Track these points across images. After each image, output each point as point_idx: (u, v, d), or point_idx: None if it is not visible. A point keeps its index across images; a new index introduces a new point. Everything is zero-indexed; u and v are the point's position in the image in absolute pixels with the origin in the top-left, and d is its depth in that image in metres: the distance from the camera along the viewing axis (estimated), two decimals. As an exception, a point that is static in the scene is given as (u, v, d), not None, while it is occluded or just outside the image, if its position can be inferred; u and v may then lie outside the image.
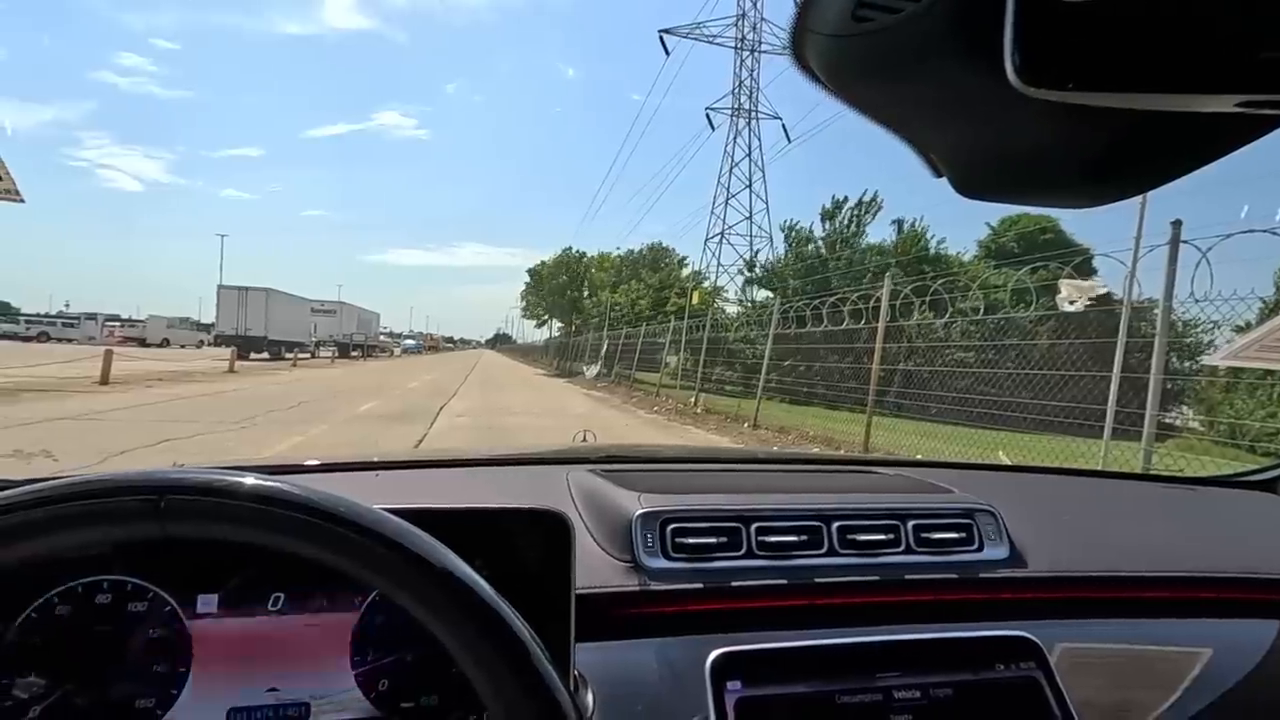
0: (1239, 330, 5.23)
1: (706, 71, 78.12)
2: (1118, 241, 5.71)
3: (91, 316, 48.26)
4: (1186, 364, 8.07)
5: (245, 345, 28.66)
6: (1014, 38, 0.26)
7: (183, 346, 40.58)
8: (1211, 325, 5.34)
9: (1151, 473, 4.35)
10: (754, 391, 11.51)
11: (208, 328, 41.56)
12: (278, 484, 0.42)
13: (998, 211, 25.50)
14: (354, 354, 43.69)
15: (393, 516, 0.44)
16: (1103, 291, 6.14)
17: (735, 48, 42.71)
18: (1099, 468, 4.98)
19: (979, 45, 0.28)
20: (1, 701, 0.56)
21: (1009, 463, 4.46)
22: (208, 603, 0.60)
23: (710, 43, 43.49)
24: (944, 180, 0.42)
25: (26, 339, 40.91)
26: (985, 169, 0.42)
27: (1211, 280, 4.95)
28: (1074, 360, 6.62)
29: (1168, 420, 6.30)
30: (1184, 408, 7.80)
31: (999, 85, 0.27)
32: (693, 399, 14.12)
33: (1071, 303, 6.09)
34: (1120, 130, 0.33)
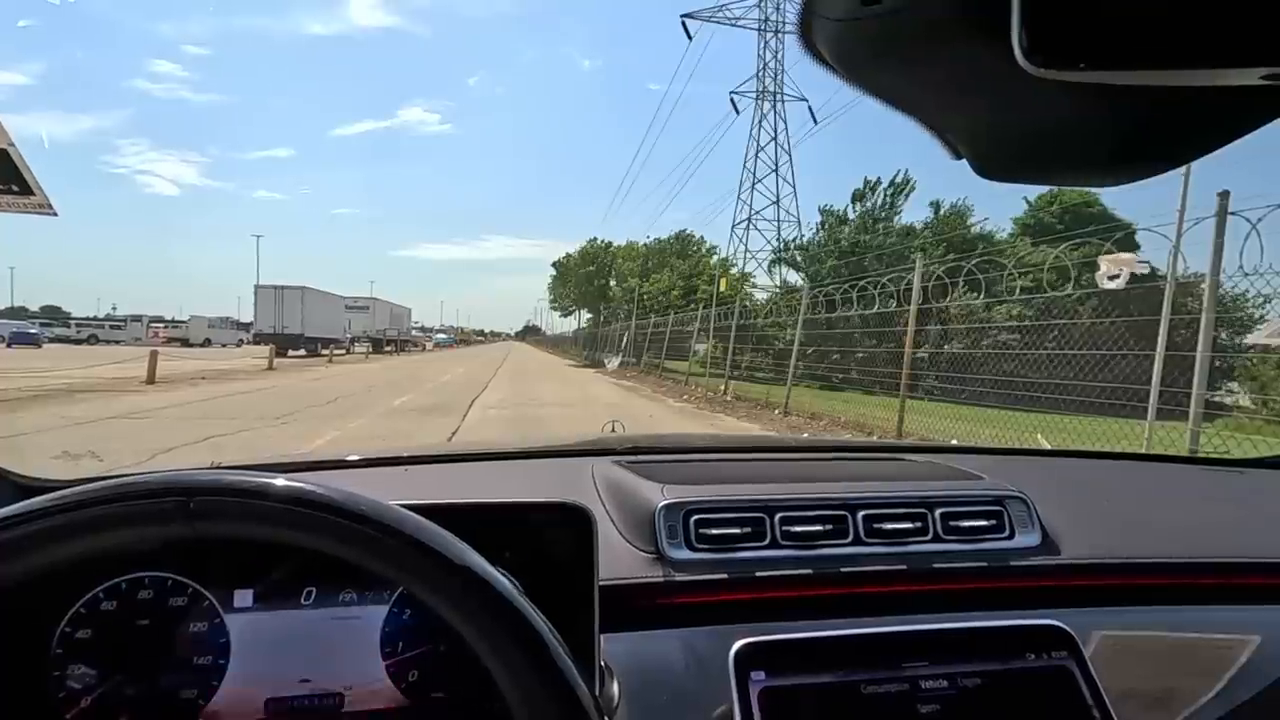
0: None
1: (730, 55, 77.15)
2: (1161, 215, 5.50)
3: (137, 319, 49.92)
4: (1235, 340, 7.77)
5: (283, 343, 29.30)
6: (1021, 17, 0.25)
7: (223, 345, 41.70)
8: (1262, 300, 5.13)
9: (1195, 455, 4.21)
10: (785, 378, 11.42)
11: (246, 326, 42.60)
12: (302, 484, 0.43)
13: (1033, 188, 24.67)
14: (387, 349, 44.47)
15: (413, 514, 0.44)
16: (1145, 269, 5.92)
17: (759, 29, 42.15)
18: (1141, 450, 4.84)
19: (989, 26, 0.27)
20: (55, 691, 0.59)
21: (1047, 446, 4.36)
22: (244, 598, 0.62)
23: (733, 25, 42.96)
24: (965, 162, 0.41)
25: (78, 342, 42.40)
26: (1005, 150, 0.41)
27: (1262, 252, 4.75)
28: (1115, 339, 6.41)
29: (1215, 399, 6.06)
30: (1233, 386, 7.51)
31: (1012, 66, 0.26)
32: (722, 386, 14.07)
33: (1112, 279, 5.88)
34: (1143, 107, 0.32)
